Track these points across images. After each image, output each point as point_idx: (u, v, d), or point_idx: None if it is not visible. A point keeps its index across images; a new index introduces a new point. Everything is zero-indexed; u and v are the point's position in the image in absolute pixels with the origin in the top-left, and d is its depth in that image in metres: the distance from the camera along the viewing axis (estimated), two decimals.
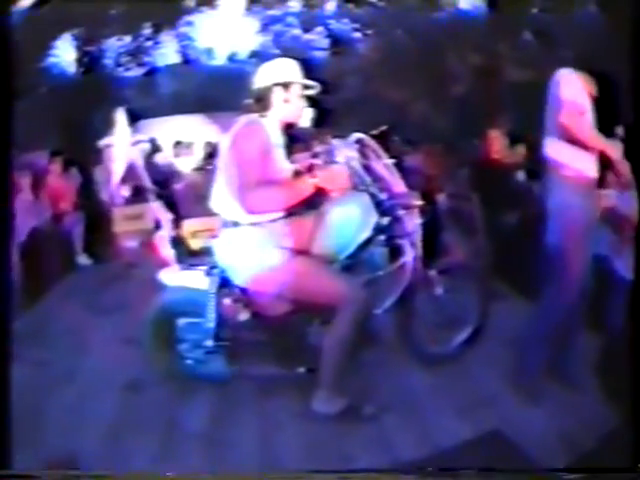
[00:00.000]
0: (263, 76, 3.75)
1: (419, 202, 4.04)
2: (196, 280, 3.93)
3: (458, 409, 3.81)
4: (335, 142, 3.96)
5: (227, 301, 3.89)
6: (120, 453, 3.55)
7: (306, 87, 3.82)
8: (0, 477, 3.38)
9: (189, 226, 6.13)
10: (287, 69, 3.76)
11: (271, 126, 3.69)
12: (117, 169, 7.55)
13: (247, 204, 3.48)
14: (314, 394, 3.69)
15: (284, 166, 3.75)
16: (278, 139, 3.74)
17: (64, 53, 8.18)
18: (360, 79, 7.83)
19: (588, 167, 3.70)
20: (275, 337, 3.86)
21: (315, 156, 4.17)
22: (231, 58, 8.25)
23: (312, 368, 3.76)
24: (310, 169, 3.83)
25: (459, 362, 4.32)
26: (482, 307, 4.39)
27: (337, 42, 8.14)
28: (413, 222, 4.02)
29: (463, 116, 7.03)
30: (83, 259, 7.15)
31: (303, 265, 3.65)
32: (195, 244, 5.51)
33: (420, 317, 4.18)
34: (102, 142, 7.71)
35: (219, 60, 8.35)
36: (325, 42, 8.11)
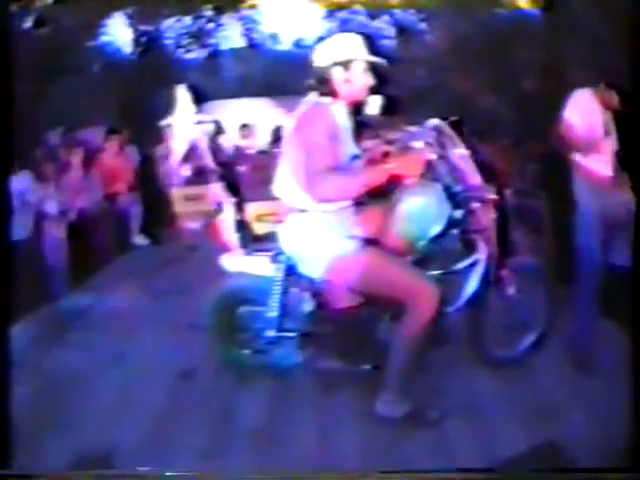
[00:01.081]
0: (322, 55, 3.47)
1: (494, 196, 3.80)
2: (261, 266, 3.76)
3: (519, 417, 3.63)
4: (411, 129, 3.76)
5: (293, 290, 3.73)
6: (164, 447, 3.44)
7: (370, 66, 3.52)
8: (0, 477, 3.31)
9: (253, 210, 5.99)
10: (346, 46, 3.45)
11: (337, 108, 3.45)
12: (178, 148, 7.46)
13: (317, 192, 3.26)
14: (379, 396, 3.52)
15: (352, 150, 3.51)
16: (345, 122, 3.50)
17: (118, 32, 8.11)
18: (426, 69, 7.64)
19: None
20: (341, 331, 3.68)
21: (389, 143, 3.95)
22: (297, 44, 8.11)
23: (378, 365, 3.59)
24: (384, 156, 3.64)
25: (524, 367, 4.11)
26: (548, 311, 4.18)
27: (403, 31, 7.95)
28: (488, 217, 3.79)
29: (531, 112, 6.78)
30: (140, 239, 7.01)
31: (376, 257, 3.46)
32: (260, 229, 5.36)
33: (490, 318, 3.98)
34: (163, 122, 7.63)
35: (284, 45, 8.22)
36: (391, 31, 7.92)
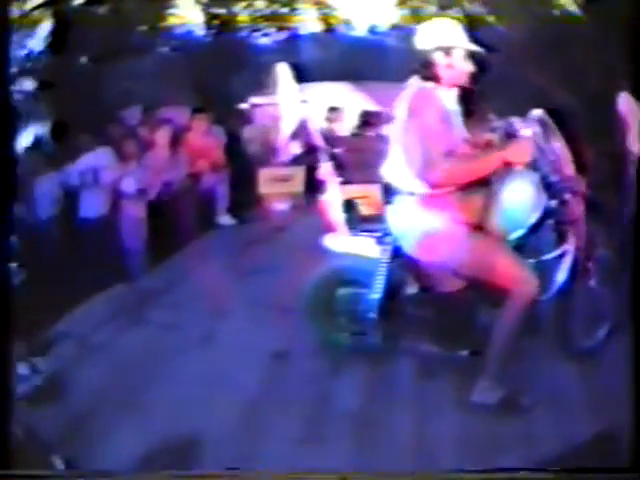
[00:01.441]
0: (424, 38, 3.54)
1: (584, 188, 3.84)
2: (366, 247, 3.81)
3: (592, 407, 3.66)
4: (514, 119, 3.80)
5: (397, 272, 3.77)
6: (256, 434, 3.41)
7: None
8: (0, 477, 3.35)
9: (348, 192, 6.03)
10: (449, 32, 3.53)
11: (443, 92, 3.51)
12: (284, 126, 7.53)
13: (431, 178, 3.33)
14: (476, 382, 3.56)
15: (462, 135, 3.58)
16: (453, 106, 3.58)
17: (187, 13, 8.21)
18: (498, 61, 7.64)
19: None
20: (442, 315, 3.73)
21: (493, 130, 4.00)
22: (371, 30, 8.14)
23: (476, 351, 3.64)
24: (487, 144, 3.70)
25: (600, 358, 4.13)
26: (623, 303, 4.10)
27: (472, 22, 7.95)
28: (579, 208, 3.84)
29: (604, 108, 6.76)
30: (226, 219, 6.95)
31: (482, 242, 3.51)
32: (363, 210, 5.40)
33: (576, 308, 4.02)
34: (247, 103, 7.70)
35: (359, 31, 8.25)
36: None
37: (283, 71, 7.56)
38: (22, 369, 3.92)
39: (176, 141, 6.71)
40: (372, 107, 7.51)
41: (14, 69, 7.02)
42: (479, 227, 3.59)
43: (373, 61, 7.35)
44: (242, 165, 7.11)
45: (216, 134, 7.09)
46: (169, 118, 7.01)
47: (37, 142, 6.54)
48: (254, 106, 7.72)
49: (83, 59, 7.37)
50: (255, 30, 8.17)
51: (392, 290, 3.79)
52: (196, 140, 6.87)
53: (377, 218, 3.85)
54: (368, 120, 7.36)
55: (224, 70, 7.74)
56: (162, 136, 6.58)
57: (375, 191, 5.42)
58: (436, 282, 3.70)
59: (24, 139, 6.51)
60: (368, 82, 7.61)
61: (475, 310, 3.70)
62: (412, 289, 3.78)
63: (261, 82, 7.68)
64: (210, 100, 7.39)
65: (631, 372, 3.45)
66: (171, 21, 8.13)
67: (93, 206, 5.99)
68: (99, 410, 3.57)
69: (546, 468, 3.18)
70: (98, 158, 6.09)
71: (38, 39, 7.35)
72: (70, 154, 6.15)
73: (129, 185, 6.12)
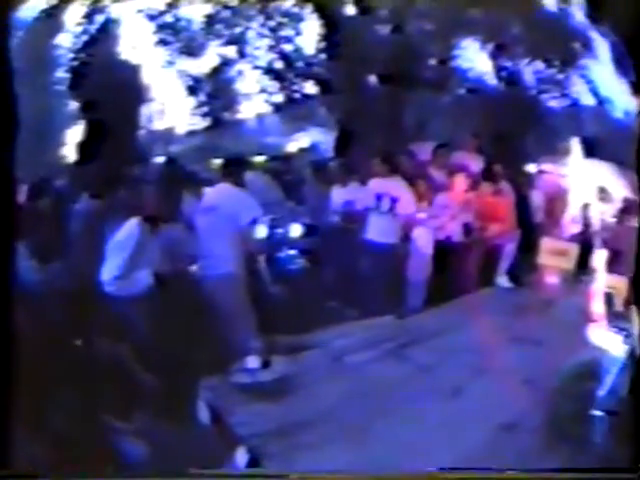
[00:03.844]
0: None
1: None
2: (615, 344, 3.63)
3: None
4: None
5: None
6: None
7: None
8: (0, 477, 3.37)
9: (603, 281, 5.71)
10: None
11: None
12: (570, 200, 7.35)
13: None
14: None
15: None
16: None
17: (476, 58, 8.22)
18: None
19: None
20: None
21: None
22: (626, 113, 7.63)
23: None
24: None
25: None
26: None
27: None
28: None
29: None
30: (504, 281, 6.89)
31: None
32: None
33: None
34: (534, 166, 7.58)
35: (618, 112, 7.81)
36: None
37: (575, 144, 7.25)
38: (252, 362, 4.23)
39: (471, 189, 6.72)
40: (631, 194, 6.97)
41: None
42: None
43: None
44: (527, 230, 6.92)
45: (507, 193, 6.95)
46: (465, 165, 7.04)
47: (313, 147, 7.02)
48: (542, 172, 7.55)
49: (372, 77, 7.79)
50: (541, 92, 8.03)
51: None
52: (488, 196, 6.80)
53: (624, 315, 3.58)
54: (627, 208, 6.88)
55: (516, 125, 7.64)
56: (460, 182, 6.63)
57: (624, 285, 5.02)
58: None
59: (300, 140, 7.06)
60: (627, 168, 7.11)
61: None
62: None
63: (551, 147, 7.44)
64: (502, 154, 7.31)
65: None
66: (460, 62, 8.26)
67: (383, 231, 6.12)
68: (314, 423, 3.71)
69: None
70: (393, 187, 6.18)
71: (307, 38, 7.96)
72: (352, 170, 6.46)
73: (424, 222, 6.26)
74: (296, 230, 5.91)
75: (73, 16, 7.75)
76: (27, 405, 3.46)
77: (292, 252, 6.05)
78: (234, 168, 4.87)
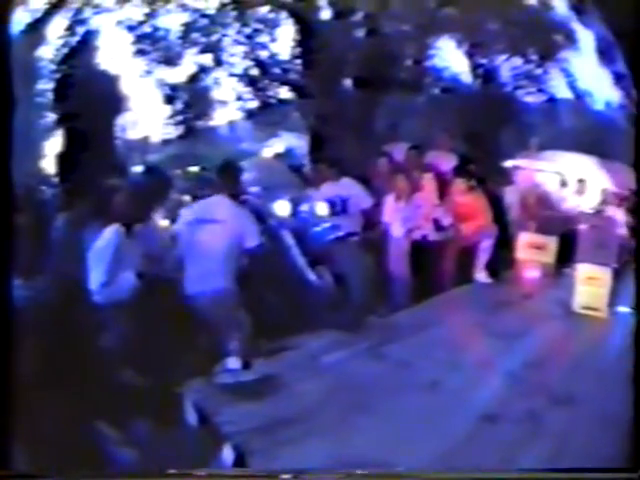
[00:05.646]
0: None
1: None
2: None
3: None
4: None
5: None
6: None
7: None
8: (0, 477, 3.45)
9: (584, 271, 5.82)
10: None
11: None
12: (549, 196, 7.58)
13: None
14: None
15: None
16: None
17: (451, 57, 8.34)
18: None
19: None
20: None
21: None
22: (607, 104, 7.78)
23: None
24: None
25: None
26: None
27: None
28: None
29: None
30: (483, 276, 6.95)
31: None
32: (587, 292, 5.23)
33: None
34: (510, 162, 7.73)
35: (598, 104, 7.96)
36: None
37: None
38: (233, 362, 4.31)
39: (443, 188, 6.86)
40: (610, 186, 7.38)
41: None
42: None
43: (612, 139, 7.10)
44: (504, 225, 7.04)
45: (481, 190, 7.01)
46: (438, 164, 7.17)
47: (288, 152, 7.08)
48: (517, 167, 7.70)
49: (347, 81, 7.87)
50: (518, 87, 8.16)
51: None
52: (460, 195, 6.90)
53: None
54: (607, 199, 7.20)
55: (491, 123, 7.75)
56: (429, 183, 6.75)
57: (607, 276, 5.16)
58: None
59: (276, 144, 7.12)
60: (609, 160, 7.48)
61: None
62: None
63: (525, 143, 7.57)
64: (476, 152, 7.40)
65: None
66: (435, 61, 8.37)
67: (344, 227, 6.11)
68: (296, 421, 3.78)
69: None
70: (341, 188, 6.23)
71: (282, 44, 8.05)
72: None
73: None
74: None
75: (56, 29, 7.80)
76: (26, 406, 3.59)
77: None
78: (229, 176, 4.89)
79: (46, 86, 7.68)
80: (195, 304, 4.49)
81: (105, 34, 7.88)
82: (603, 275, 5.83)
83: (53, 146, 7.33)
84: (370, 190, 6.40)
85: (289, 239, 5.45)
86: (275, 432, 3.62)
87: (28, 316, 4.24)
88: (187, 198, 5.30)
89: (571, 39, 8.21)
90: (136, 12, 7.95)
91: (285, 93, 8.00)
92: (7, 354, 3.78)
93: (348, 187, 6.25)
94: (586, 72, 8.13)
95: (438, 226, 6.59)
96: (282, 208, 5.61)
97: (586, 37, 8.10)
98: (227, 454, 3.50)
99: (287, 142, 7.50)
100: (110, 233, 4.31)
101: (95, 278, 4.24)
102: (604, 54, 7.99)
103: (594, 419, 3.95)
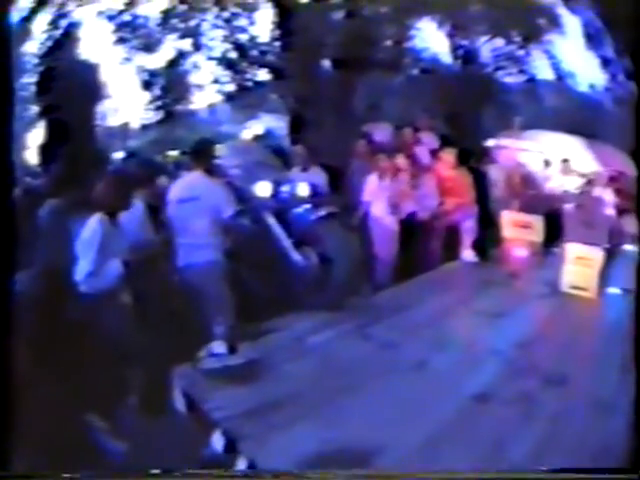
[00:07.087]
0: None
1: None
2: None
3: None
4: None
5: None
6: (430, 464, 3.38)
7: None
8: (0, 477, 3.43)
9: (573, 251, 5.83)
10: None
11: None
12: (527, 173, 7.55)
13: None
14: None
15: None
16: None
17: (432, 38, 8.34)
18: None
19: None
20: None
21: None
22: (592, 86, 7.84)
23: None
24: None
25: None
26: None
27: None
28: None
29: None
30: (469, 254, 6.99)
31: None
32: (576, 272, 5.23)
33: None
34: (491, 141, 7.73)
35: (582, 86, 7.94)
36: None
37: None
38: (218, 347, 4.30)
39: (424, 168, 6.87)
40: (596, 167, 7.38)
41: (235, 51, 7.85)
42: None
43: (594, 119, 7.14)
44: (485, 203, 7.06)
45: (463, 168, 7.06)
46: (419, 143, 7.21)
47: (268, 133, 7.06)
48: (499, 147, 7.69)
49: (326, 62, 7.86)
50: (498, 68, 8.17)
51: None
52: (445, 172, 6.92)
53: None
54: (593, 180, 7.13)
55: (472, 103, 7.75)
56: (404, 161, 6.69)
57: (598, 256, 5.17)
58: None
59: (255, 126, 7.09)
60: (595, 141, 7.54)
61: None
62: None
63: (507, 122, 7.58)
64: (458, 132, 7.40)
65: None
66: (416, 42, 8.36)
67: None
68: (284, 404, 3.78)
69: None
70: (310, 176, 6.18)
71: (261, 27, 8.03)
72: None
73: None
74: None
75: (40, 24, 7.75)
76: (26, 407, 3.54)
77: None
78: (203, 154, 4.80)
79: (29, 80, 7.64)
80: (185, 277, 4.51)
81: (87, 25, 7.84)
82: (593, 255, 5.83)
83: (35, 137, 7.29)
84: (349, 170, 6.46)
85: (271, 220, 5.42)
86: (264, 416, 3.61)
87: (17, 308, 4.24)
88: (168, 181, 5.24)
89: (555, 23, 8.21)
90: (117, 1, 7.91)
91: (264, 75, 8.00)
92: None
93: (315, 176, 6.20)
94: (571, 55, 8.15)
95: (424, 205, 6.61)
96: (263, 189, 5.56)
97: (572, 22, 8.12)
98: (217, 440, 3.50)
99: (266, 124, 7.49)
100: (94, 223, 4.27)
101: (82, 268, 4.21)
102: (592, 38, 8.00)
103: (584, 399, 3.98)
